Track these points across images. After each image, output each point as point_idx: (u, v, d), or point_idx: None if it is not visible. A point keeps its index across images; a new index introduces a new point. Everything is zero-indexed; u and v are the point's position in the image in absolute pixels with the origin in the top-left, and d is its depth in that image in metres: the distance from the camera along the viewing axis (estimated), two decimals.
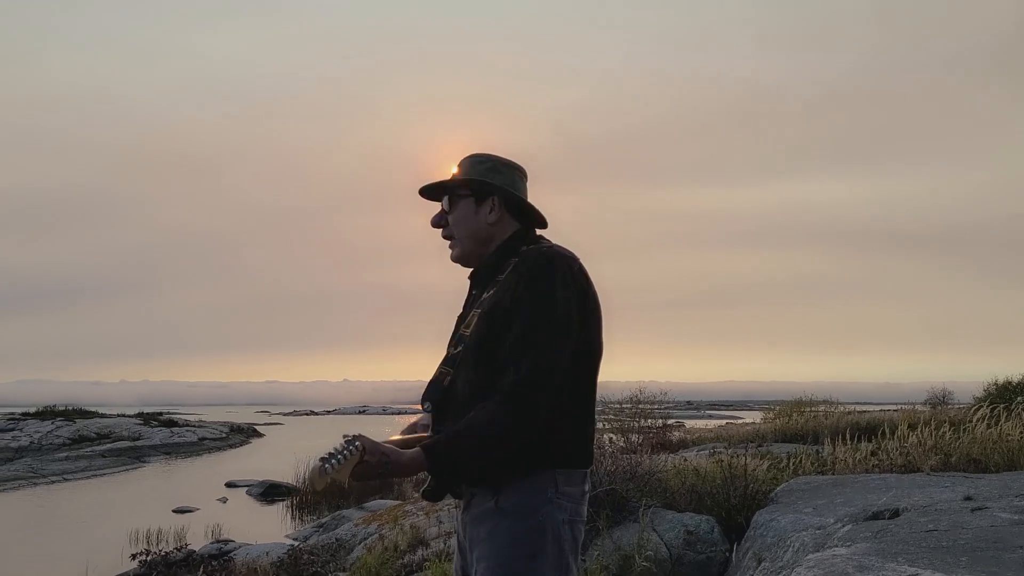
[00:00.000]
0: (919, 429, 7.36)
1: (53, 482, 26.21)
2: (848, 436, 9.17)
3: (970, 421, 7.53)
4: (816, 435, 15.68)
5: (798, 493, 5.95)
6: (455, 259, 2.10)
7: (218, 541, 12.99)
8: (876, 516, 4.71)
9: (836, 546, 4.22)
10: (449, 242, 2.10)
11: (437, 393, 1.96)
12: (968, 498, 4.71)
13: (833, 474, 7.06)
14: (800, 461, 8.34)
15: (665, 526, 5.70)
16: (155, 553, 5.69)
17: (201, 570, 5.45)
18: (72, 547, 13.89)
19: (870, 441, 9.17)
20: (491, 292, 1.96)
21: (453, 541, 2.14)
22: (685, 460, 6.98)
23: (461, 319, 2.08)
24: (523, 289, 1.88)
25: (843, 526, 4.57)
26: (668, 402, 18.35)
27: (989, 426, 7.06)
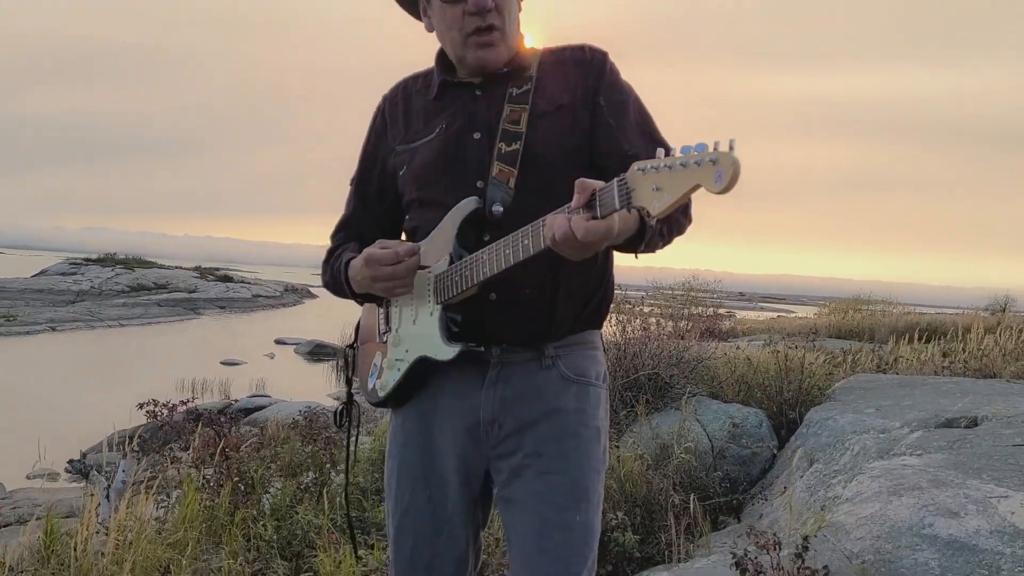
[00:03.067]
0: (997, 332, 6.71)
1: (109, 326, 27.09)
2: (910, 337, 8.55)
3: None
4: (872, 333, 15.02)
5: (859, 392, 5.45)
6: (494, 60, 1.74)
7: (256, 395, 13.18)
8: (951, 424, 4.20)
9: (905, 454, 3.73)
10: (484, 38, 1.72)
11: (505, 194, 1.68)
12: None
13: (896, 374, 6.52)
14: (858, 358, 7.81)
15: (709, 416, 5.28)
16: (162, 406, 5.45)
17: (199, 425, 5.20)
18: (117, 393, 14.29)
19: (930, 342, 8.54)
20: (529, 90, 1.75)
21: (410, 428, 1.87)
22: (737, 349, 6.49)
23: (468, 124, 1.77)
24: (610, 79, 1.77)
25: (912, 432, 4.08)
26: (721, 292, 17.85)
27: None
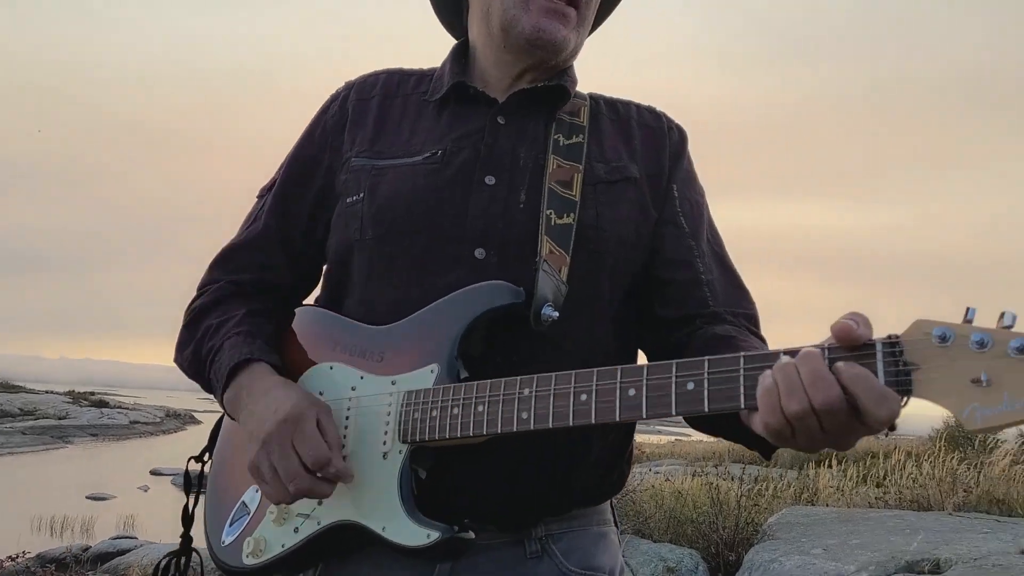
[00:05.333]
0: (928, 459, 6.48)
1: None
2: (817, 460, 8.32)
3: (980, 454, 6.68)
4: (776, 457, 14.95)
5: (798, 528, 5.02)
6: (558, 40, 1.26)
7: (121, 536, 11.78)
8: (912, 568, 3.78)
9: None
10: (556, 4, 1.25)
11: (558, 290, 1.15)
12: None
13: (827, 505, 6.15)
14: (778, 488, 7.44)
15: (639, 559, 4.72)
16: (18, 558, 4.56)
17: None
18: None
19: (840, 466, 8.30)
20: (582, 144, 1.28)
21: None
22: (667, 480, 5.99)
23: (478, 159, 1.25)
24: (689, 168, 1.36)
25: None
26: None
27: (1015, 462, 6.21)
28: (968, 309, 0.79)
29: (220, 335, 1.23)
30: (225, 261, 1.35)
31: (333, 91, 1.39)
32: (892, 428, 0.86)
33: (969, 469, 6.27)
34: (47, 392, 43.42)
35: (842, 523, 5.01)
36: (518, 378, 1.01)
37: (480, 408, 1.03)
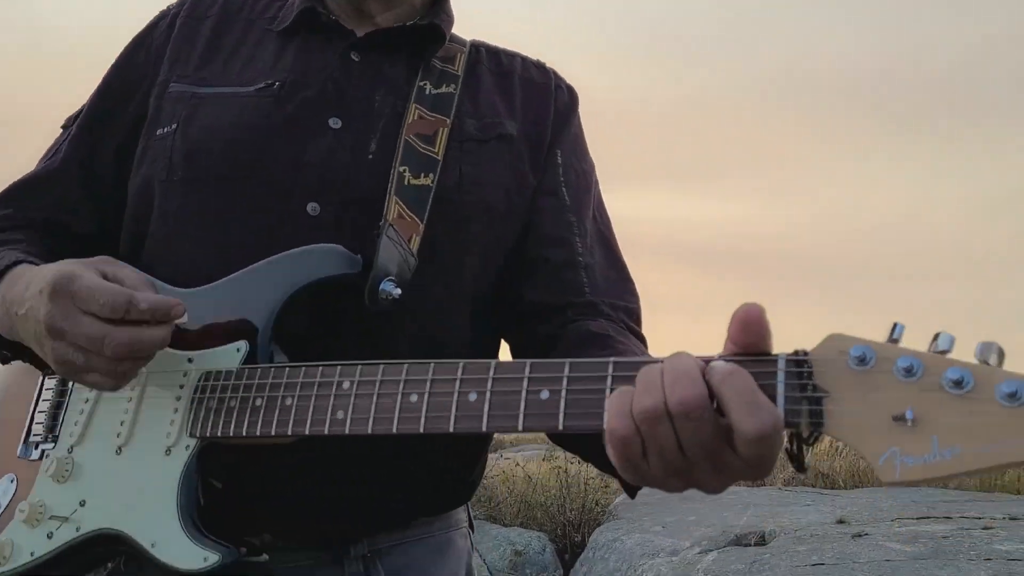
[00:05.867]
0: None
1: None
2: None
3: None
4: None
5: (642, 507, 5.20)
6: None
7: None
8: (740, 541, 3.99)
9: None
10: None
11: (405, 262, 0.96)
12: (841, 521, 4.08)
13: None
14: None
15: (489, 543, 4.76)
16: None
17: None
18: None
19: None
20: (454, 94, 1.10)
21: None
22: (517, 465, 6.08)
23: (323, 98, 1.05)
24: (576, 134, 1.20)
25: (705, 553, 3.79)
26: None
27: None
28: (895, 325, 0.63)
29: None
30: (11, 198, 1.11)
31: (165, 6, 1.19)
32: (801, 468, 0.67)
33: None
34: None
35: (683, 501, 5.23)
36: (338, 365, 0.83)
37: (288, 402, 0.84)
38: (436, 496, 1.06)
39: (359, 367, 0.82)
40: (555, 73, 1.21)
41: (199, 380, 0.90)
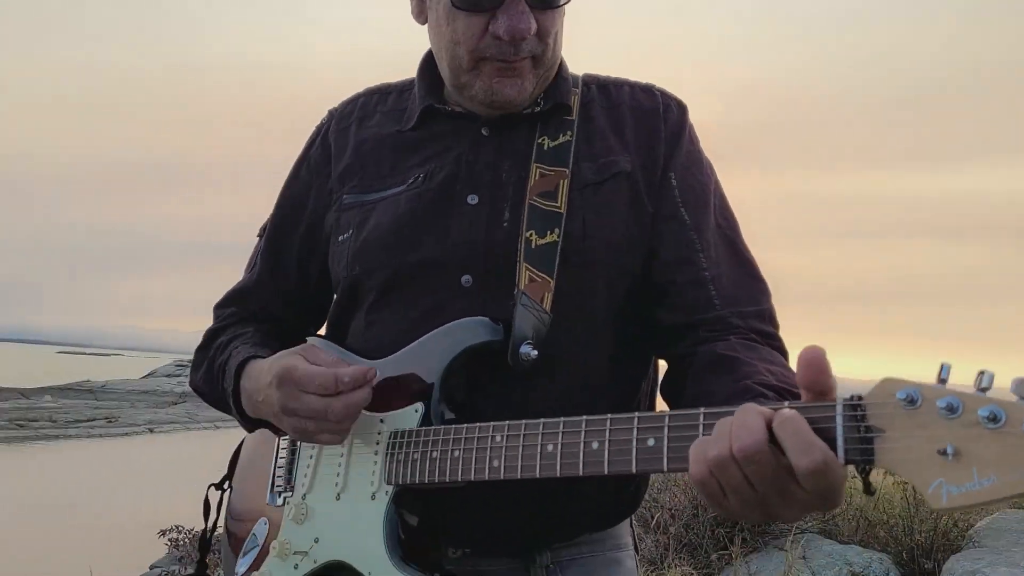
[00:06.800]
0: None
1: (205, 428, 27.16)
2: None
3: None
4: None
5: (1009, 535, 4.48)
6: (516, 97, 1.16)
7: None
8: None
9: None
10: (509, 66, 1.14)
11: (540, 322, 1.10)
12: None
13: None
14: None
15: (821, 560, 4.41)
16: (183, 532, 5.02)
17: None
18: (201, 496, 13.99)
19: None
20: (570, 142, 1.17)
21: None
22: (853, 476, 5.56)
23: (459, 177, 1.19)
24: (690, 149, 1.22)
25: None
26: None
27: None
28: (942, 366, 0.70)
29: (228, 349, 1.25)
30: (232, 301, 1.38)
31: (319, 120, 1.37)
32: (868, 492, 0.80)
33: None
34: None
35: None
36: (492, 424, 1.00)
37: (456, 453, 1.01)
38: (601, 509, 1.20)
39: (507, 424, 0.98)
40: (662, 93, 1.25)
41: (390, 438, 1.09)
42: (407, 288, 1.16)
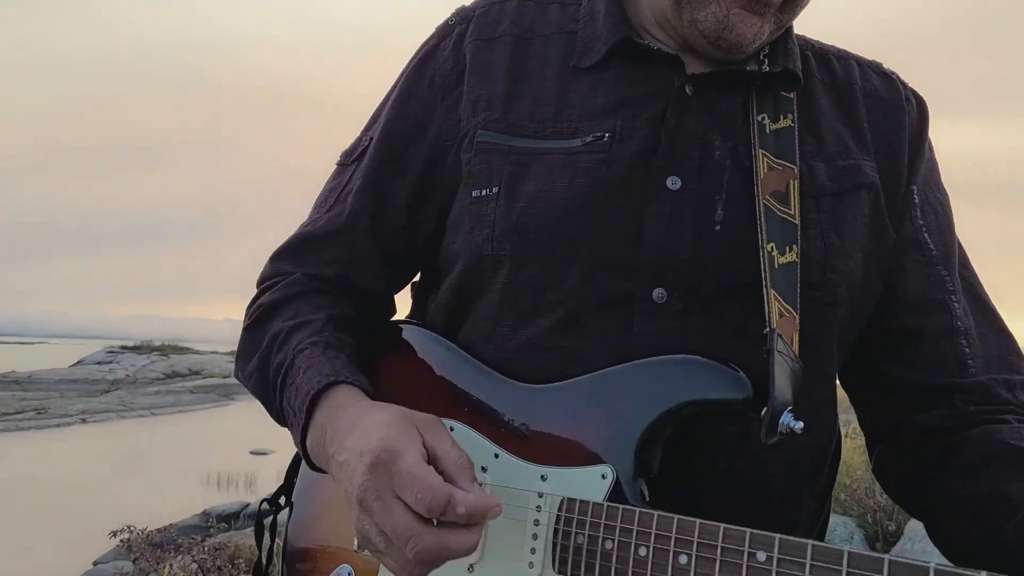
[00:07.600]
0: None
1: (141, 416, 26.69)
2: None
3: None
4: None
5: None
6: (752, 38, 0.85)
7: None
8: None
9: None
10: (763, 7, 0.84)
11: (794, 372, 0.79)
12: None
13: None
14: None
15: None
16: (135, 532, 4.95)
17: (195, 552, 4.78)
18: (141, 488, 13.63)
19: None
20: (792, 128, 0.87)
21: None
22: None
23: (660, 149, 0.85)
24: (931, 160, 0.96)
25: None
26: None
27: None
28: None
29: (291, 346, 0.91)
30: (297, 252, 1.00)
31: (440, 23, 0.99)
32: None
33: None
34: (212, 352, 45.53)
35: None
36: (697, 521, 0.69)
37: (643, 552, 0.71)
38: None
39: (720, 529, 0.68)
40: (901, 81, 0.96)
41: (559, 508, 0.77)
42: (576, 292, 0.84)
